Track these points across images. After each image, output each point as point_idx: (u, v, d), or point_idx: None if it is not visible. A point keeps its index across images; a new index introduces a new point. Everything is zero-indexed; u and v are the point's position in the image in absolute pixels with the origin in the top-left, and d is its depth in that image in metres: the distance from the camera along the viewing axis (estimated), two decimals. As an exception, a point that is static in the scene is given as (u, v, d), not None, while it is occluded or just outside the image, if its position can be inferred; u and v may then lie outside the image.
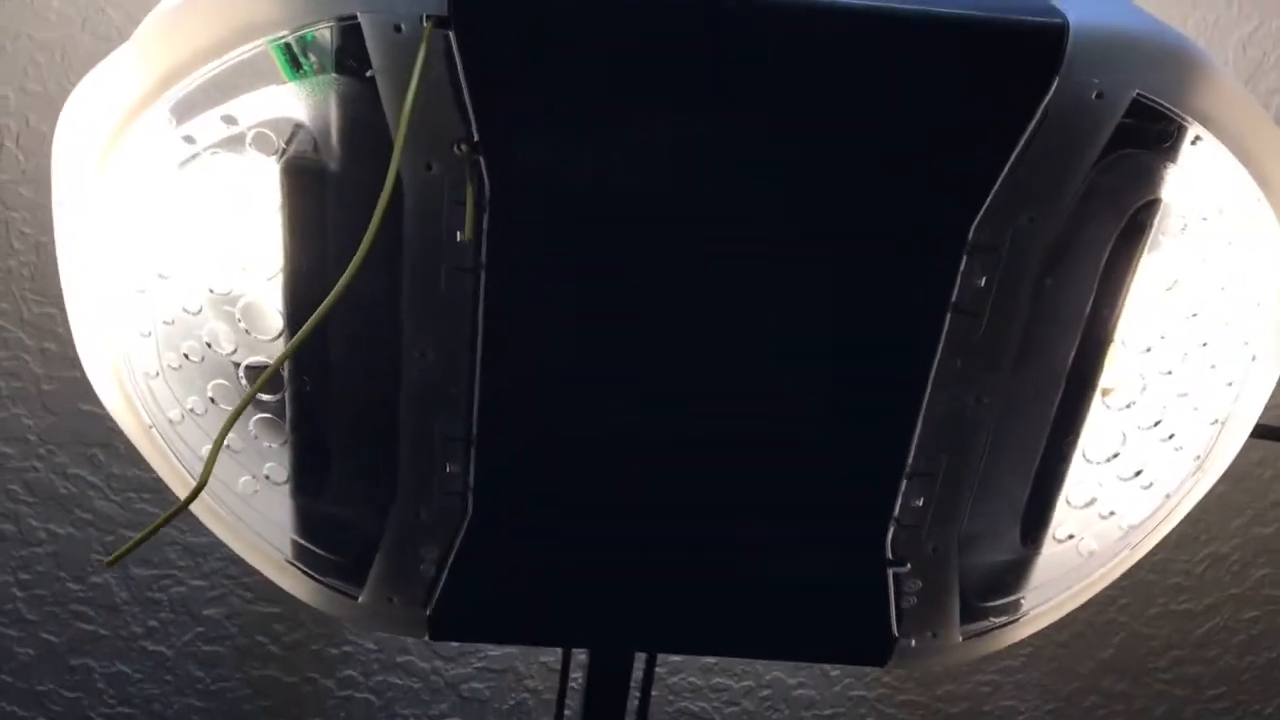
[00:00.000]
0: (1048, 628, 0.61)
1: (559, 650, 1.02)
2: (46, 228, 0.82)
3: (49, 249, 0.82)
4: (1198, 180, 0.46)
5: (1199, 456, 0.53)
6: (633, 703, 0.74)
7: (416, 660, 1.04)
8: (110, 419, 0.88)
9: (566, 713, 0.81)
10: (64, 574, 0.97)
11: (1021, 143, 0.43)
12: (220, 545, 0.95)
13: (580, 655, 0.74)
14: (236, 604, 1.00)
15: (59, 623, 1.00)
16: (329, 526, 0.52)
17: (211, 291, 0.47)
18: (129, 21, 0.76)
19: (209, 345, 0.49)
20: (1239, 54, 0.82)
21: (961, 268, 0.45)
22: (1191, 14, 0.80)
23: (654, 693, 0.84)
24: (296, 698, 1.06)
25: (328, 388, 0.48)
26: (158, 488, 0.93)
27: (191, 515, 0.90)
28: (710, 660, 1.06)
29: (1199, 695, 1.12)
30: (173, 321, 0.48)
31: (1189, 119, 0.44)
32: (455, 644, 1.03)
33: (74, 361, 0.87)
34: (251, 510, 0.52)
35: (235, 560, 0.97)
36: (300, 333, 0.40)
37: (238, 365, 0.49)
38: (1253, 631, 1.09)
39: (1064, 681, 1.12)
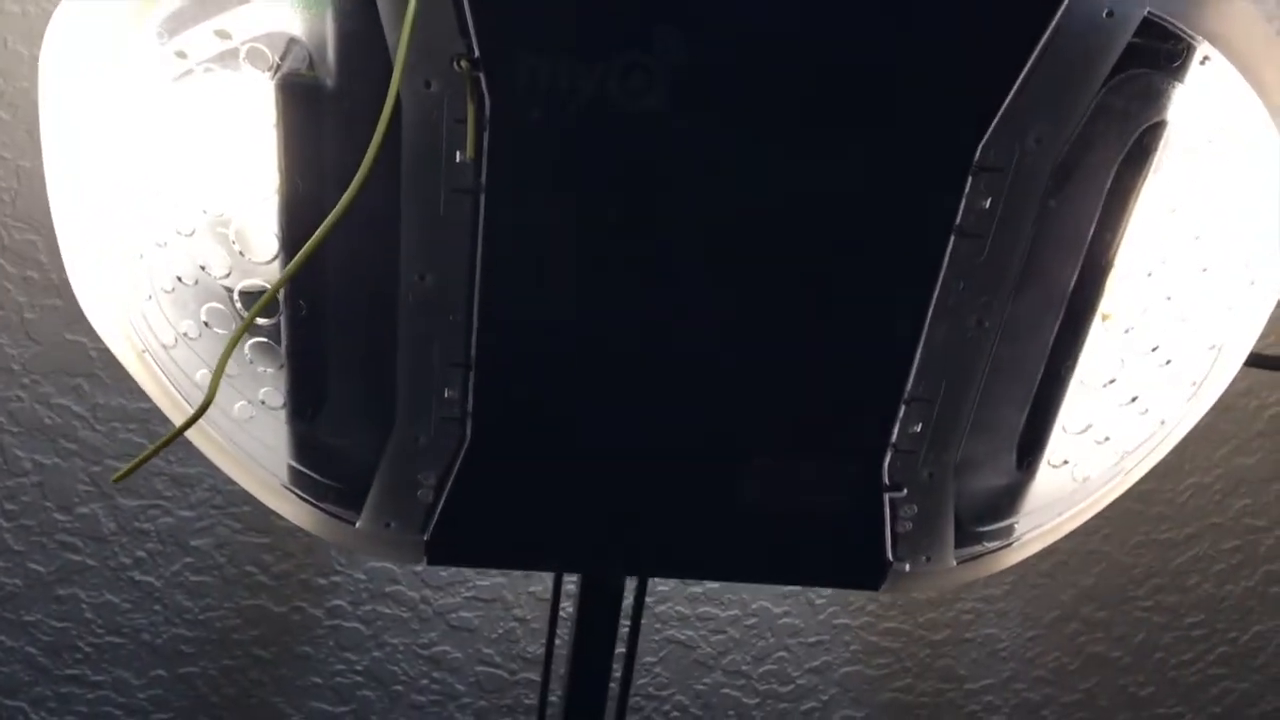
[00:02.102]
0: (1030, 556, 0.62)
1: (548, 580, 1.03)
2: (26, 151, 0.80)
3: (30, 173, 0.81)
4: (1205, 101, 0.45)
5: (1195, 382, 0.54)
6: (622, 631, 0.75)
7: (405, 589, 1.04)
8: (95, 348, 0.87)
9: (556, 641, 0.82)
10: (50, 504, 0.97)
11: (1031, 60, 0.42)
12: (208, 475, 0.95)
13: (570, 584, 0.75)
14: (225, 534, 1.00)
15: (46, 553, 0.99)
16: (326, 452, 0.51)
17: (205, 213, 0.47)
18: None
19: (202, 268, 0.48)
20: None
21: (967, 189, 0.45)
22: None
23: (642, 621, 0.84)
24: (285, 626, 1.06)
25: (324, 312, 0.47)
26: (144, 417, 0.92)
27: (181, 444, 0.90)
28: (697, 589, 1.07)
29: (1177, 623, 1.14)
30: (165, 244, 0.47)
31: (1198, 38, 0.43)
32: (444, 573, 1.04)
33: (58, 289, 0.86)
34: (248, 436, 0.51)
35: (223, 490, 0.97)
36: (295, 259, 0.39)
37: (231, 289, 0.48)
38: (1232, 561, 1.10)
39: (1045, 609, 1.14)
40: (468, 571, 1.03)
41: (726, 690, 1.13)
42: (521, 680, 1.11)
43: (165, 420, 0.89)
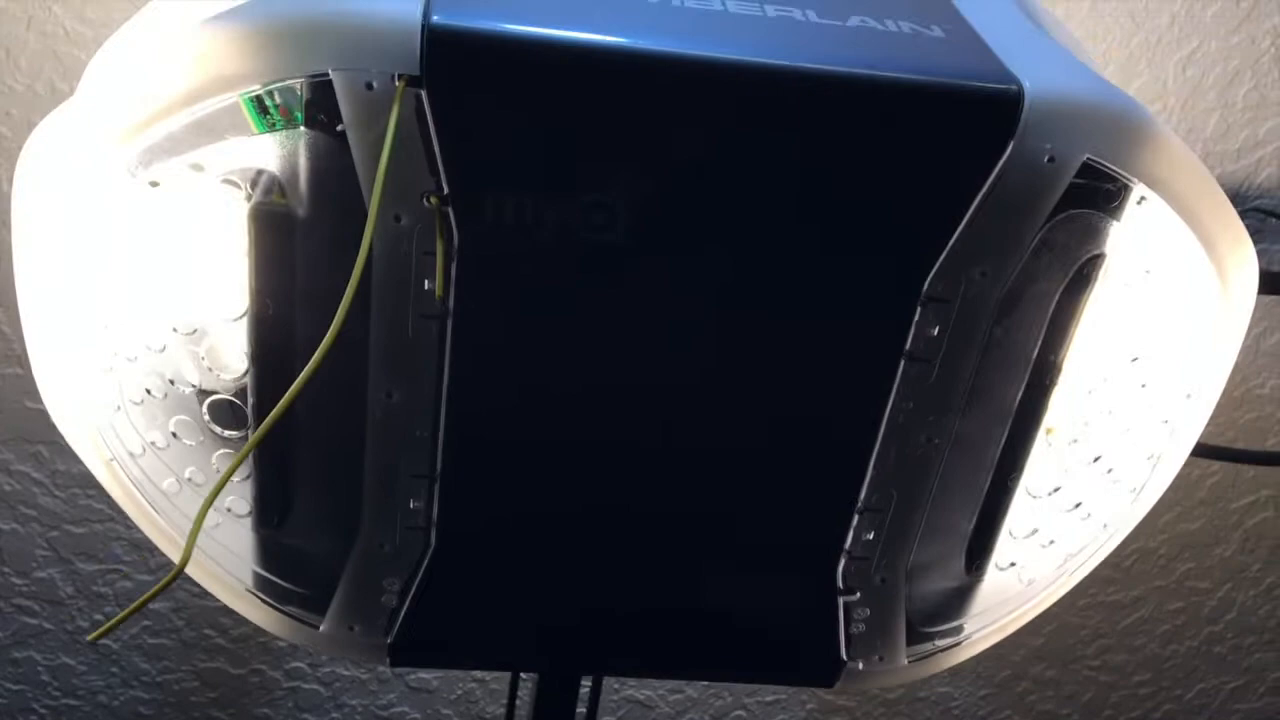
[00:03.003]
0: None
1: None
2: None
3: (-7, 244, 0.81)
4: (1142, 237, 0.47)
5: (1135, 489, 0.56)
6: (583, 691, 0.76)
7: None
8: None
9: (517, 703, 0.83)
10: (8, 569, 0.96)
11: (976, 203, 0.44)
12: (167, 541, 0.95)
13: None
14: (183, 597, 1.00)
15: (2, 616, 0.99)
16: (290, 558, 0.52)
17: (175, 330, 0.48)
18: (77, 20, 0.75)
19: (172, 382, 0.49)
20: (1178, 74, 0.84)
21: (916, 318, 0.47)
22: (1135, 35, 0.82)
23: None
24: (244, 688, 1.06)
25: (292, 426, 0.48)
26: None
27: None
28: (655, 650, 1.07)
29: (1125, 681, 1.16)
30: (135, 358, 0.48)
31: (1136, 181, 0.45)
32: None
33: (19, 359, 0.86)
34: (213, 542, 0.52)
35: (183, 556, 0.97)
36: (274, 412, 0.40)
37: (202, 399, 0.49)
38: (1176, 622, 1.13)
39: (997, 668, 1.16)
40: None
41: (684, 749, 1.15)
42: (480, 740, 1.12)
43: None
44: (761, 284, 0.46)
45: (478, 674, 1.08)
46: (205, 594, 0.99)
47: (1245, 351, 0.91)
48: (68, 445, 0.90)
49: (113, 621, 0.41)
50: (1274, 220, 0.86)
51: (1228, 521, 1.07)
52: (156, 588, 0.41)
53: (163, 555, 0.96)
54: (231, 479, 0.50)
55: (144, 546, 0.97)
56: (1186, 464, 1.04)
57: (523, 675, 0.78)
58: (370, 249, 0.43)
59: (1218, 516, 1.07)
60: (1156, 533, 1.07)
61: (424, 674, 1.08)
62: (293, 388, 0.40)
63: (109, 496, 0.93)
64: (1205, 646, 1.15)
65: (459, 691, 1.09)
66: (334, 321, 0.40)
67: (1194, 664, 1.16)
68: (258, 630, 1.02)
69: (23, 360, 0.86)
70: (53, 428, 0.89)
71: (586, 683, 0.78)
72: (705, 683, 1.12)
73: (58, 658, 1.02)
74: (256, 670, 1.05)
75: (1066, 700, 1.17)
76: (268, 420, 0.41)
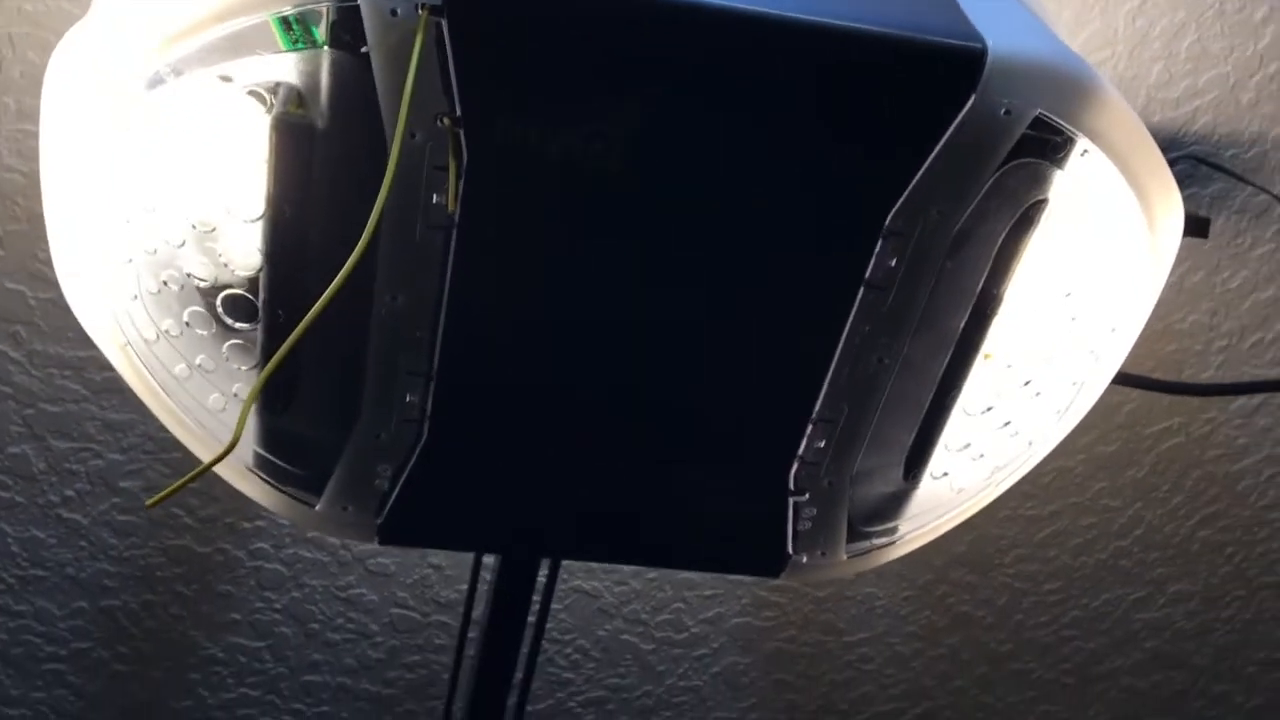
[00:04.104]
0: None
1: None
2: (-25, 112, 0.82)
3: (-23, 132, 0.83)
4: (1082, 185, 0.53)
5: (1060, 410, 0.62)
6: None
7: (326, 536, 1.09)
8: (35, 297, 0.90)
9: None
10: (-18, 444, 0.99)
11: (937, 148, 0.49)
12: (140, 422, 0.98)
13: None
14: (154, 478, 1.03)
15: (-26, 489, 1.02)
16: (291, 442, 0.57)
17: (194, 228, 0.51)
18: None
19: (188, 275, 0.52)
20: (1128, 24, 0.89)
21: (877, 250, 0.52)
22: (1088, -16, 0.86)
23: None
24: (208, 566, 1.10)
25: (300, 321, 0.52)
26: (79, 365, 0.95)
27: (115, 391, 0.93)
28: (604, 544, 1.13)
29: (1037, 589, 1.24)
30: (155, 251, 0.52)
31: (1080, 135, 0.50)
32: (365, 522, 1.08)
33: (0, 240, 0.88)
34: (219, 423, 0.56)
35: (154, 437, 1.00)
36: (316, 307, 0.44)
37: (215, 293, 0.53)
38: (1088, 535, 1.21)
39: (919, 572, 1.23)
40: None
41: (625, 636, 1.21)
42: (434, 622, 1.17)
43: (101, 368, 0.93)
44: (740, 214, 0.50)
45: (434, 560, 1.13)
46: (177, 475, 1.03)
47: (1168, 288, 0.97)
48: (46, 327, 0.92)
49: (169, 490, 0.46)
50: (1205, 167, 0.91)
51: (1141, 445, 1.14)
52: (207, 463, 0.45)
53: (135, 434, 1.00)
54: (240, 368, 0.54)
55: (116, 427, 1.00)
56: (1107, 390, 1.11)
57: (482, 563, 0.84)
58: (385, 161, 0.47)
59: (1132, 440, 1.14)
60: (1075, 453, 1.13)
61: (383, 558, 1.13)
62: (331, 287, 0.44)
63: (84, 378, 0.96)
64: (1113, 560, 1.23)
65: (416, 576, 1.14)
66: (365, 232, 0.43)
67: (1101, 575, 1.24)
68: (224, 511, 1.06)
69: (3, 241, 0.88)
70: (32, 309, 0.91)
71: (541, 575, 0.84)
72: (649, 576, 1.18)
73: (28, 530, 1.05)
74: (221, 549, 1.09)
75: (982, 604, 1.25)
76: (312, 311, 0.44)
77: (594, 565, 1.15)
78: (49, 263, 0.88)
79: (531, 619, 0.85)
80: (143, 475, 1.03)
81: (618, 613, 1.20)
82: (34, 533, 1.06)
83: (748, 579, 1.20)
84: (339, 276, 0.44)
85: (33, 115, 0.82)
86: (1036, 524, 1.19)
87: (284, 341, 0.53)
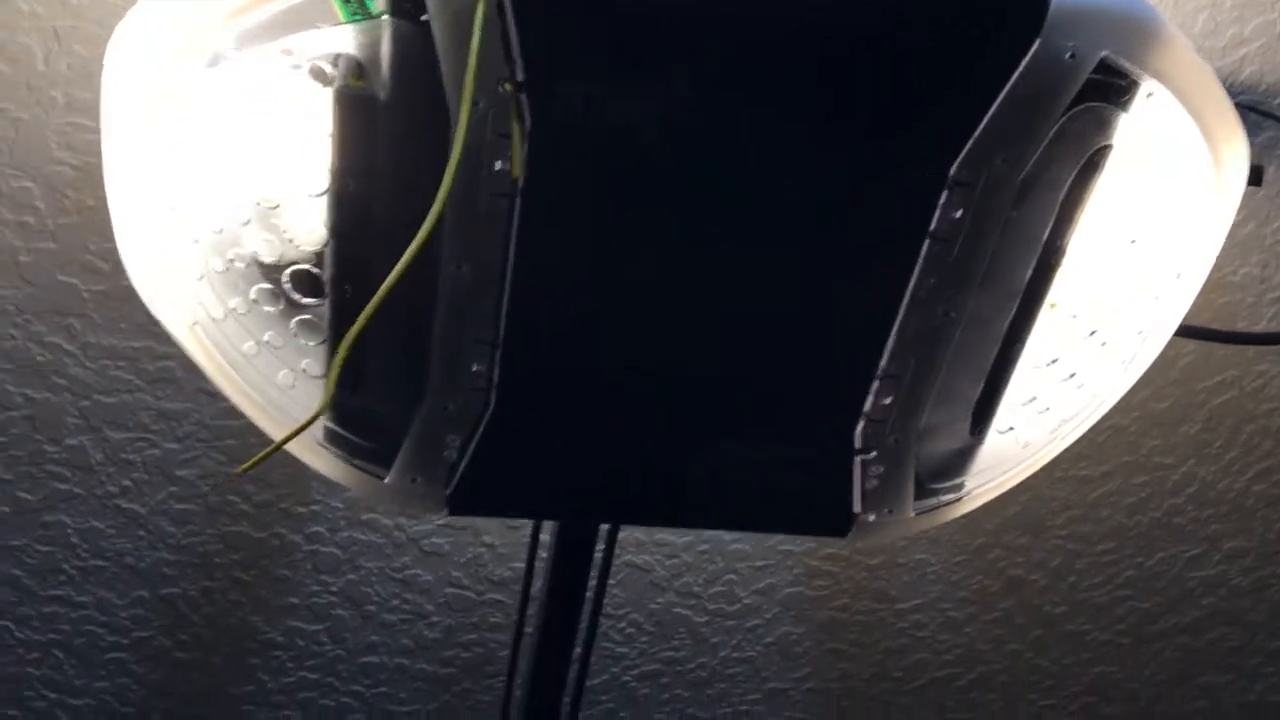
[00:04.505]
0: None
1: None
2: (24, 104, 0.83)
3: (27, 124, 0.83)
4: (1148, 129, 0.52)
5: (1125, 361, 0.61)
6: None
7: (380, 517, 1.10)
8: (88, 289, 0.91)
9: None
10: (40, 436, 1.00)
11: (1002, 95, 0.49)
12: (195, 410, 0.99)
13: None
14: (210, 466, 1.04)
15: (34, 481, 1.03)
16: (360, 415, 0.57)
17: (259, 204, 0.51)
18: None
19: (255, 253, 0.53)
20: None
21: (941, 201, 0.52)
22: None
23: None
24: (265, 551, 1.11)
25: (367, 295, 0.52)
26: (133, 355, 0.96)
27: (169, 382, 0.94)
28: (654, 518, 1.13)
29: (1090, 549, 1.24)
30: (221, 230, 0.52)
31: (1146, 76, 0.50)
32: (418, 502, 1.09)
33: (52, 234, 0.89)
34: (289, 400, 0.56)
35: (209, 425, 1.01)
36: (395, 271, 0.44)
37: (282, 269, 0.53)
38: (1141, 494, 1.20)
39: (971, 536, 1.23)
40: (439, 503, 1.09)
41: (678, 609, 1.22)
42: (489, 600, 1.18)
43: (155, 358, 0.94)
44: (805, 169, 0.50)
45: (487, 539, 1.14)
46: (232, 462, 1.04)
47: (1220, 239, 0.96)
48: (99, 319, 0.93)
49: (260, 456, 0.46)
50: (1254, 115, 0.90)
51: (1194, 401, 1.13)
52: (298, 427, 0.46)
53: (190, 423, 1.01)
54: (307, 343, 0.55)
55: (171, 416, 1.01)
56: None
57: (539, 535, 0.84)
58: (449, 130, 0.47)
59: (1186, 396, 1.13)
60: (1128, 410, 1.13)
61: (437, 538, 1.13)
62: (405, 256, 0.44)
63: (138, 368, 0.97)
64: (1166, 518, 1.22)
65: (469, 555, 1.15)
66: (438, 197, 0.44)
67: (1155, 534, 1.23)
68: (280, 497, 1.07)
69: (55, 234, 0.89)
70: (85, 301, 0.92)
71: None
72: (700, 549, 1.18)
73: (87, 521, 1.07)
74: (277, 534, 1.10)
75: (1035, 566, 1.24)
76: (391, 276, 0.45)
77: (644, 539, 1.16)
78: (101, 255, 0.90)
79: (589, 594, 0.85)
80: (198, 464, 1.04)
81: (670, 586, 1.20)
82: (93, 523, 1.07)
83: (798, 548, 1.20)
84: (414, 243, 0.44)
85: (81, 108, 0.83)
86: (1089, 484, 1.19)
87: (351, 315, 0.54)
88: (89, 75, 0.82)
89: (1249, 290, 1.04)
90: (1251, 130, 0.95)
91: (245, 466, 0.47)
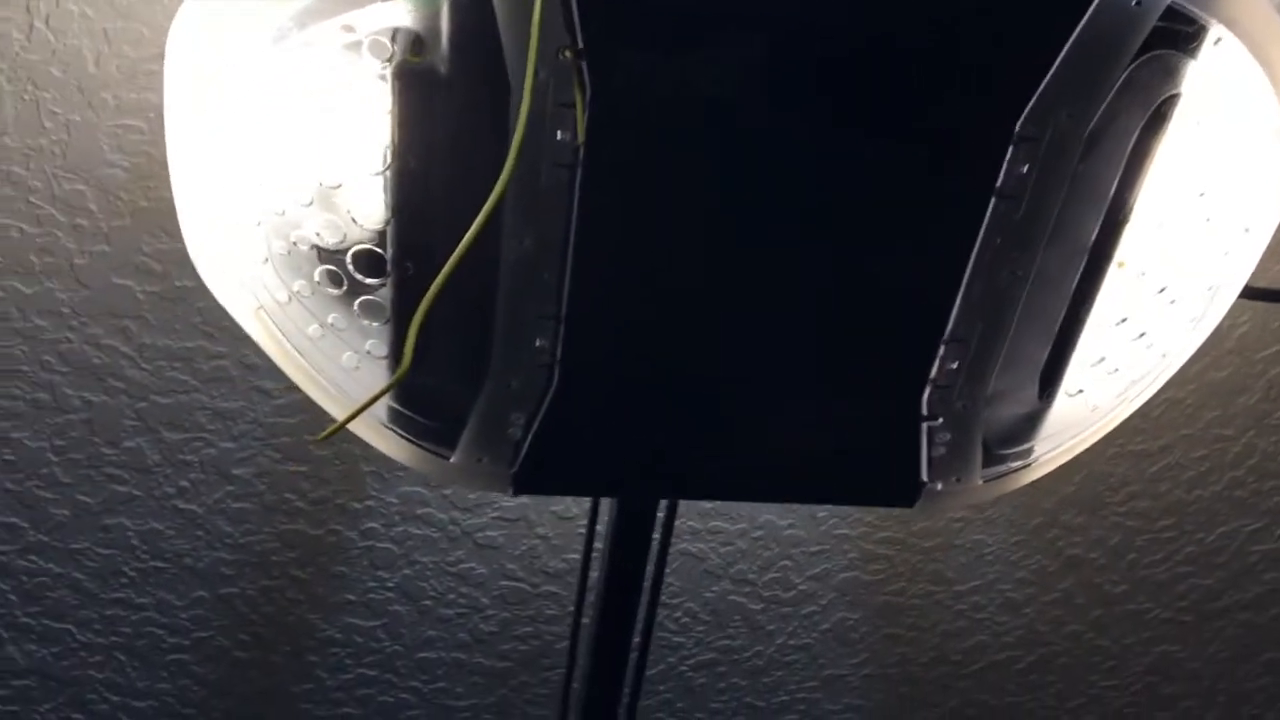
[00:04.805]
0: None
1: (569, 500, 1.10)
2: (76, 106, 0.84)
3: (79, 127, 0.84)
4: (1216, 76, 0.51)
5: (1194, 319, 0.60)
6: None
7: (435, 512, 1.10)
8: (142, 290, 0.91)
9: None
10: (98, 439, 1.01)
11: (1067, 46, 0.48)
12: (249, 409, 1.00)
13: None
14: (265, 464, 1.05)
15: (93, 485, 1.04)
16: (425, 395, 0.57)
17: (321, 184, 0.51)
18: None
19: (317, 234, 0.53)
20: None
21: (1008, 157, 0.51)
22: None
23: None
24: (322, 548, 1.12)
25: (430, 272, 0.52)
26: (188, 356, 0.97)
27: (224, 381, 0.95)
28: (707, 505, 1.13)
29: (1149, 526, 1.22)
30: (283, 212, 0.52)
31: (1213, 21, 0.49)
32: (472, 495, 1.10)
33: (106, 236, 0.90)
34: (353, 382, 0.56)
35: (264, 423, 1.02)
36: (463, 242, 0.44)
37: (343, 251, 0.53)
38: (1201, 468, 1.18)
39: (1028, 516, 1.22)
40: (494, 494, 1.09)
41: (734, 597, 1.21)
42: (544, 593, 1.18)
43: (209, 358, 0.95)
44: (867, 129, 0.50)
45: (541, 530, 1.14)
46: (287, 459, 1.04)
47: (1277, 204, 0.94)
48: (154, 320, 0.94)
49: (337, 424, 0.46)
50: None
51: (1253, 370, 1.12)
52: (383, 388, 0.46)
53: (245, 422, 1.02)
54: (371, 324, 0.55)
55: (226, 415, 1.02)
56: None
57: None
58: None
59: (1244, 365, 1.11)
60: (1185, 383, 1.11)
61: (491, 531, 1.14)
62: (473, 228, 0.44)
63: (194, 368, 0.98)
64: (1227, 491, 1.21)
65: (523, 547, 1.15)
66: (505, 166, 0.43)
67: (1216, 508, 1.22)
68: (335, 493, 1.08)
69: (109, 237, 0.90)
70: (140, 303, 0.93)
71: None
72: (754, 535, 1.18)
73: (146, 523, 1.08)
74: (334, 530, 1.11)
75: (1094, 545, 1.23)
76: (460, 246, 0.45)
77: (699, 526, 1.15)
78: (155, 256, 0.90)
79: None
80: (254, 462, 1.05)
81: (725, 574, 1.20)
82: (152, 525, 1.08)
83: (853, 532, 1.19)
84: (481, 215, 0.44)
85: (131, 109, 0.84)
86: (1147, 459, 1.17)
87: (414, 294, 0.54)
88: (138, 76, 0.82)
89: (1308, 255, 1.02)
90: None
91: (323, 435, 0.47)
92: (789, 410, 0.60)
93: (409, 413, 0.57)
